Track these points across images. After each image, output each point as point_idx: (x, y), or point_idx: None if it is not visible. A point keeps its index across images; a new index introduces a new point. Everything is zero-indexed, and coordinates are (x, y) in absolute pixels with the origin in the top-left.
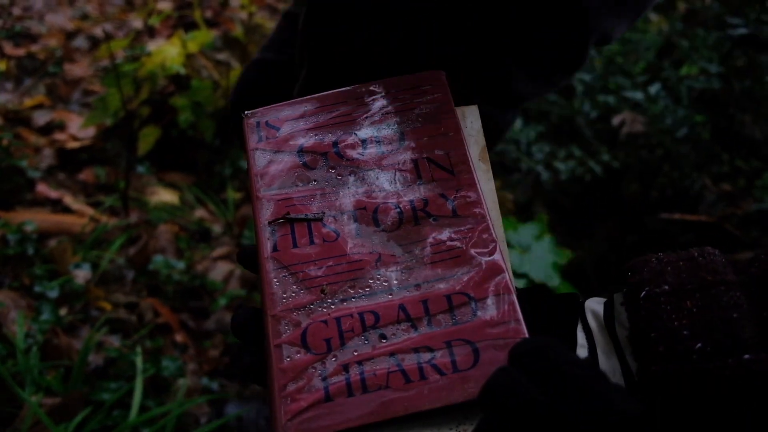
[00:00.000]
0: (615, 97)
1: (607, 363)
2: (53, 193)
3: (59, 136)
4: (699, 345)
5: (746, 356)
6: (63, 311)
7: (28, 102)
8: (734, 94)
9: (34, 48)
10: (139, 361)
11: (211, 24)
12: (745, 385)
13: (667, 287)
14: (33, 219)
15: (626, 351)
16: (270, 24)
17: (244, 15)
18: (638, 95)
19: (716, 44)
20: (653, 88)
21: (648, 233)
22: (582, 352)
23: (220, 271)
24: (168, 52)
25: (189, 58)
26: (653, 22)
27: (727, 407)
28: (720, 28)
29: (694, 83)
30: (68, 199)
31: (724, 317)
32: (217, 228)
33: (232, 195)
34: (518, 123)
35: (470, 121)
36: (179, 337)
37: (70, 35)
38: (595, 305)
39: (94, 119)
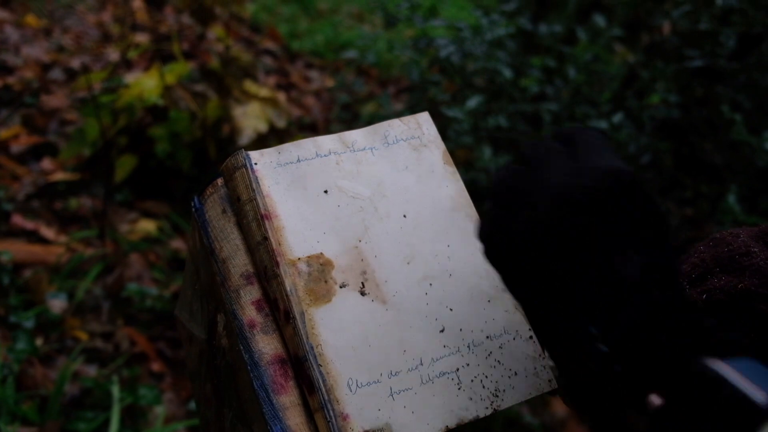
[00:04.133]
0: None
1: None
2: (29, 224)
3: (46, 165)
4: None
5: None
6: (39, 341)
7: (5, 133)
8: (694, 123)
9: (10, 79)
10: (115, 390)
11: (188, 56)
12: None
13: None
14: (8, 249)
15: None
16: (246, 56)
17: (220, 47)
18: (603, 124)
19: (675, 75)
20: (616, 117)
21: None
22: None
23: None
24: (146, 83)
25: (167, 89)
26: (618, 53)
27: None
28: (678, 60)
29: (656, 112)
30: (44, 230)
31: None
32: None
33: None
34: (487, 152)
35: (425, 128)
36: (156, 366)
37: (46, 67)
38: None
39: (72, 150)
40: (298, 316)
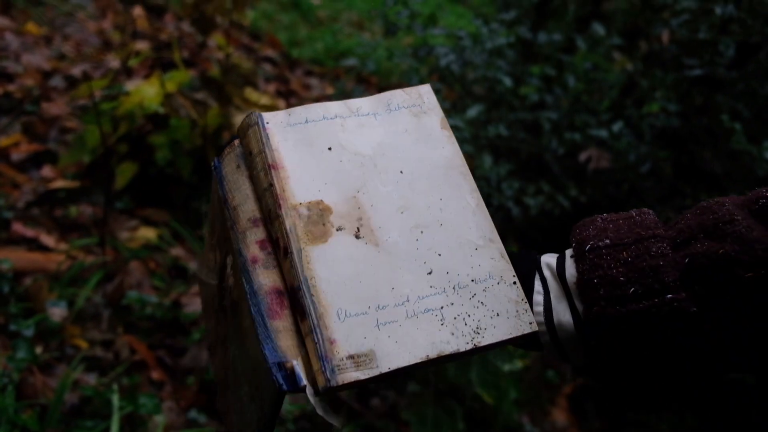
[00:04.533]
0: (581, 135)
1: (558, 305)
2: (29, 232)
3: (46, 173)
4: (632, 289)
5: (669, 296)
6: (39, 349)
7: (5, 140)
8: (694, 131)
9: (11, 87)
10: (115, 398)
11: (188, 64)
12: (669, 319)
13: (608, 241)
14: (8, 257)
15: (574, 295)
16: (246, 64)
17: (221, 55)
18: (603, 133)
19: (675, 84)
20: (616, 126)
21: None
22: (538, 297)
23: (196, 306)
24: (146, 91)
25: (167, 97)
26: (617, 61)
27: (656, 339)
28: (678, 68)
29: (655, 121)
30: (44, 237)
31: (652, 265)
32: (193, 265)
33: None
34: (488, 160)
35: (426, 98)
36: (156, 374)
37: (46, 75)
38: (549, 259)
39: (72, 156)
40: (295, 252)
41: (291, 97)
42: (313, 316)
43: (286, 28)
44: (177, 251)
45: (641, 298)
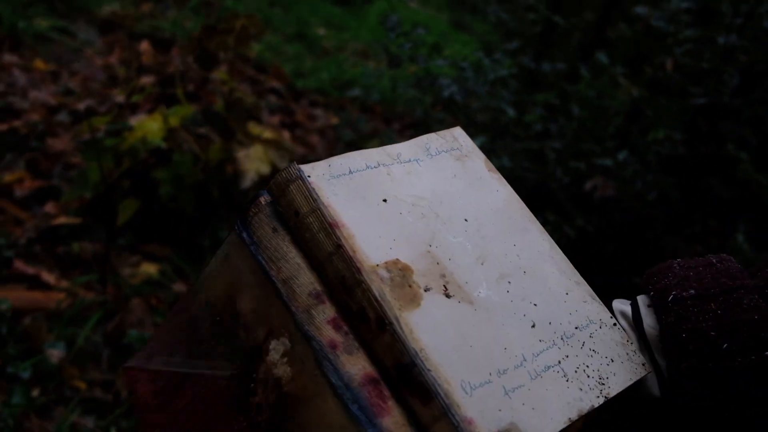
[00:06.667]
0: (586, 164)
1: None
2: (30, 269)
3: (50, 209)
4: (726, 345)
5: (767, 353)
6: (36, 392)
7: (9, 177)
8: (700, 159)
9: (16, 123)
10: None
11: (192, 97)
12: (765, 375)
13: (693, 291)
14: (8, 297)
15: (655, 349)
16: (250, 98)
17: (225, 88)
18: (608, 161)
19: (680, 112)
20: (621, 155)
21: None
22: None
23: None
24: (149, 126)
25: (170, 132)
26: (622, 86)
27: (749, 396)
28: (682, 96)
29: (661, 149)
30: (45, 275)
31: (746, 319)
32: None
33: None
34: None
35: (462, 141)
36: None
37: (52, 110)
38: (622, 306)
39: (74, 192)
40: (394, 321)
41: (296, 128)
42: (442, 395)
43: (292, 59)
44: (179, 287)
45: (736, 355)
